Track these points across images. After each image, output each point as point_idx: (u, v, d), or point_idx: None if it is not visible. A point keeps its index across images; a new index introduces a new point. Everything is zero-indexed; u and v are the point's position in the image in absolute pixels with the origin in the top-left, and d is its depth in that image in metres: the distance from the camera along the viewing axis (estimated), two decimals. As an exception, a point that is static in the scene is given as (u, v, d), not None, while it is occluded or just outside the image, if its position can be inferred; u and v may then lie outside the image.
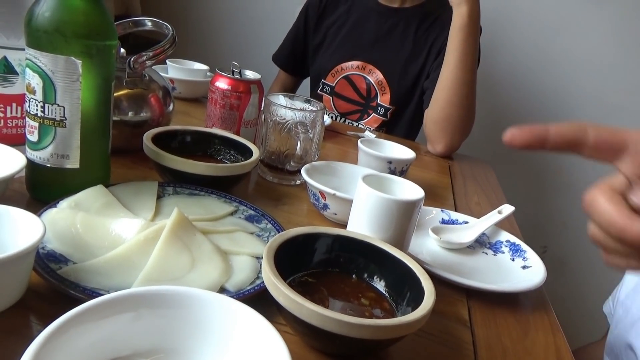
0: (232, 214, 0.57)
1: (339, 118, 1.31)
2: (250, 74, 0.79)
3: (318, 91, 1.32)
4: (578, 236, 1.81)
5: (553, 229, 1.85)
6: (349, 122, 1.30)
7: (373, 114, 1.27)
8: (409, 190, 0.53)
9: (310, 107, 0.76)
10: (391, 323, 0.37)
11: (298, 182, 0.75)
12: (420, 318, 0.38)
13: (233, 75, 0.76)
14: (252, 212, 0.57)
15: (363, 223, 0.51)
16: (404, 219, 0.50)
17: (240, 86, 0.75)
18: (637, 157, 0.33)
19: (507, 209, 0.68)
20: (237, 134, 0.76)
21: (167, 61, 1.10)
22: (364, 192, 0.50)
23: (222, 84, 0.75)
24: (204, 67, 1.14)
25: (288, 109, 0.70)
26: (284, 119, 0.70)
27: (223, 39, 1.94)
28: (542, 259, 1.91)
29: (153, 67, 0.76)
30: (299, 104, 0.77)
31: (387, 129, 1.27)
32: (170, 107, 0.77)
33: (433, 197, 0.84)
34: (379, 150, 0.80)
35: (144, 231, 0.45)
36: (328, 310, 0.36)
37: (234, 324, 0.33)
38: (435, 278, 0.55)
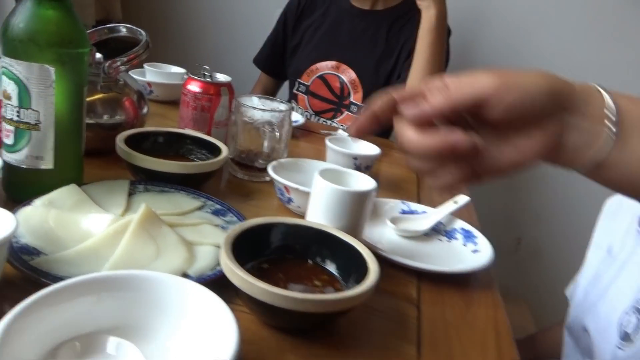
0: (199, 208, 0.61)
1: (313, 117, 1.36)
2: (221, 77, 0.83)
3: (294, 90, 1.37)
4: (551, 226, 1.87)
5: (526, 221, 1.91)
6: (323, 121, 1.34)
7: (346, 112, 1.31)
8: (363, 182, 0.58)
9: (279, 107, 0.80)
10: (334, 297, 0.41)
11: (267, 178, 0.78)
12: (362, 292, 0.42)
13: (204, 78, 0.80)
14: (219, 207, 0.61)
15: (319, 213, 0.55)
16: (356, 209, 0.54)
17: (211, 89, 0.79)
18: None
19: (463, 199, 0.73)
20: (209, 134, 0.80)
21: (144, 65, 1.14)
22: (319, 185, 0.54)
23: (194, 87, 0.79)
24: (181, 70, 1.18)
25: (257, 109, 0.75)
26: (253, 119, 0.75)
27: (203, 42, 1.97)
28: (517, 250, 1.98)
29: (130, 71, 0.80)
30: (269, 105, 0.81)
31: (361, 127, 1.32)
32: (145, 110, 0.81)
33: (398, 191, 0.88)
34: (346, 148, 0.84)
35: (113, 225, 0.49)
36: (277, 288, 0.40)
37: (187, 302, 0.37)
38: (389, 263, 0.60)
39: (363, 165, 0.82)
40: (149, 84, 1.10)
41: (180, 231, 0.53)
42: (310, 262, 0.52)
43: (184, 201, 0.61)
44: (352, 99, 1.30)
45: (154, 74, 1.13)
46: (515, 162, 0.38)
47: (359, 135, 0.41)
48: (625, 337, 0.75)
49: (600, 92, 0.38)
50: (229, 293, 0.45)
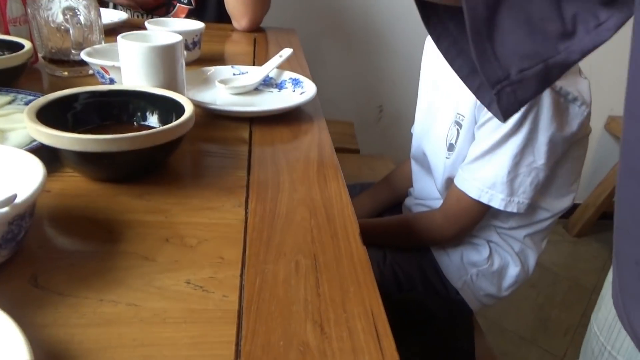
0: (10, 102, 0.57)
1: (146, 15, 1.28)
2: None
3: (118, -8, 1.26)
4: (407, 91, 2.04)
5: (385, 89, 2.06)
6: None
7: (178, 4, 1.25)
8: (169, 38, 0.58)
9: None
10: (147, 132, 0.44)
11: (91, 71, 0.75)
12: (175, 125, 0.45)
13: (-19, -28, 0.70)
14: (32, 97, 0.59)
15: (132, 75, 0.55)
16: (166, 64, 0.55)
17: (-7, -17, 0.70)
18: None
19: (286, 51, 0.77)
20: (7, 34, 0.73)
21: None
22: (123, 47, 0.54)
23: (-29, -17, 0.70)
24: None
25: (51, -4, 0.69)
26: (50, 8, 0.69)
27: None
28: (380, 117, 2.14)
29: None
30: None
31: (198, 17, 1.27)
32: None
33: (234, 63, 0.90)
34: (168, 27, 0.82)
35: None
36: (86, 135, 0.42)
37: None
38: (223, 117, 0.63)
39: (189, 42, 0.82)
40: None
41: (-13, 123, 0.51)
42: (135, 124, 0.54)
43: (-12, 99, 0.57)
44: (180, -11, 1.24)
45: None
46: None
47: None
48: (450, 147, 0.89)
49: None
50: (52, 167, 0.46)
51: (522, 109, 0.72)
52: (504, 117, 0.40)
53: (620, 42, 0.41)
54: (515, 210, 0.78)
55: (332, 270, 0.38)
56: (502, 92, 0.38)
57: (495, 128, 0.74)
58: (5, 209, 0.31)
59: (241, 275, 0.37)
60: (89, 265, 0.36)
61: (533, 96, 0.39)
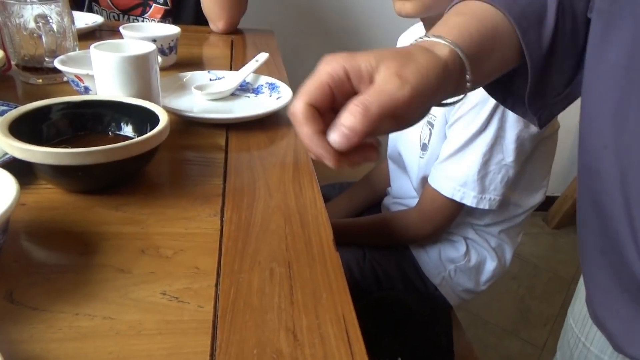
0: (-18, 114, 0.57)
1: (121, 16, 1.27)
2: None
3: (92, -7, 1.24)
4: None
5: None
6: (133, 19, 1.27)
7: (154, 4, 1.24)
8: (142, 48, 0.58)
9: None
10: (122, 144, 0.44)
11: (65, 79, 0.75)
12: (150, 137, 0.46)
13: (-51, -21, 0.69)
14: (5, 107, 0.58)
15: (106, 86, 0.55)
16: (139, 73, 0.55)
17: (-38, -10, 0.69)
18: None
19: (262, 56, 0.78)
20: (-21, 42, 0.72)
21: None
22: (96, 57, 0.54)
23: (-61, -9, 0.69)
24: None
25: (22, 3, 0.68)
26: (22, 15, 0.68)
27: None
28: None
29: None
30: None
31: (174, 19, 1.27)
32: None
33: (211, 67, 0.90)
34: (143, 32, 0.82)
35: None
36: (60, 148, 0.42)
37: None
38: (200, 123, 0.64)
39: (165, 46, 0.82)
40: None
41: (-41, 136, 0.50)
42: (110, 134, 0.54)
43: (-40, 110, 0.57)
44: (156, -10, 1.23)
45: None
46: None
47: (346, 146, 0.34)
48: (424, 147, 0.91)
49: (460, 57, 0.38)
50: (26, 179, 0.46)
51: (489, 109, 0.74)
52: (541, 128, 0.50)
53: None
54: (487, 207, 0.80)
55: (305, 277, 0.39)
56: (542, 115, 0.48)
57: (465, 127, 0.76)
58: (-23, 228, 0.31)
59: (216, 285, 0.38)
60: (65, 279, 0.37)
61: (563, 109, 0.50)
